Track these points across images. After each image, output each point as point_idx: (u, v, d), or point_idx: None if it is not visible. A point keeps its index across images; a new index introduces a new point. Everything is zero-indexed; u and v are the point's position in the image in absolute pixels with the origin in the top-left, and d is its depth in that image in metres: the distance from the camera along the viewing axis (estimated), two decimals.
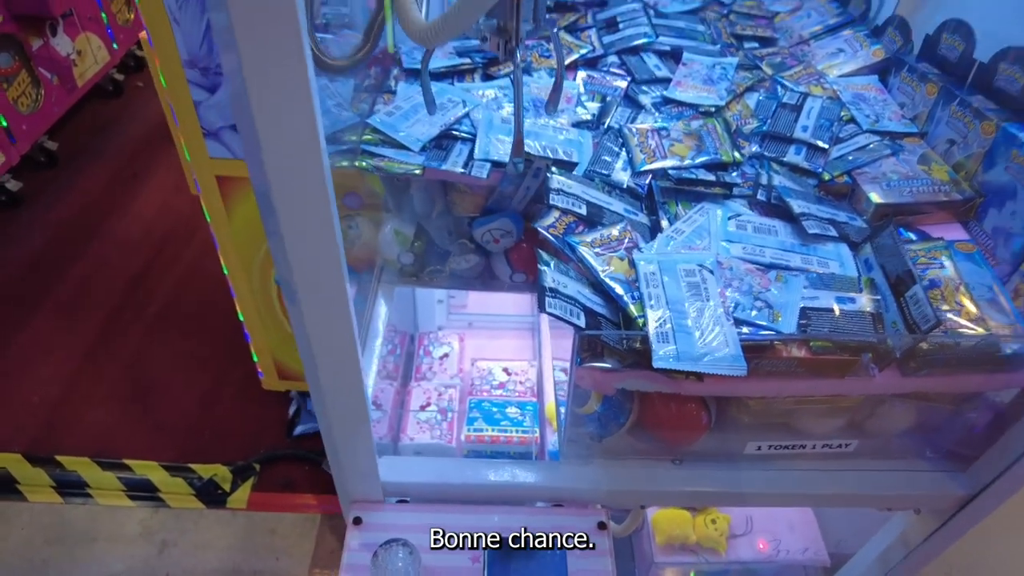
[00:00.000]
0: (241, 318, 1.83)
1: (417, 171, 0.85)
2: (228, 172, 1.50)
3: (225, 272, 1.73)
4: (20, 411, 2.12)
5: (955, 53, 0.97)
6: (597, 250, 0.76)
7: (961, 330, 0.71)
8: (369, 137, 0.91)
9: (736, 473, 0.81)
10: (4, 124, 2.69)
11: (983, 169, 0.87)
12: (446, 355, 1.55)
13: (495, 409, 1.41)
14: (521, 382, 1.45)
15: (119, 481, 1.96)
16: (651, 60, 1.09)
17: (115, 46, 3.38)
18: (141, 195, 2.98)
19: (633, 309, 0.69)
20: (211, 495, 1.94)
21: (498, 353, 1.59)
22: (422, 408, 1.41)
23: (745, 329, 0.68)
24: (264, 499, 1.94)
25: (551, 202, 0.81)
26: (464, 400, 1.43)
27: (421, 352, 1.55)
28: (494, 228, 0.94)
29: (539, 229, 0.77)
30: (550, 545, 0.75)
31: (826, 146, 0.92)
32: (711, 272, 0.72)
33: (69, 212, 2.86)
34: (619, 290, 0.71)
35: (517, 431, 1.36)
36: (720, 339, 0.66)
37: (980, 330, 0.71)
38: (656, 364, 0.64)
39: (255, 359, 1.95)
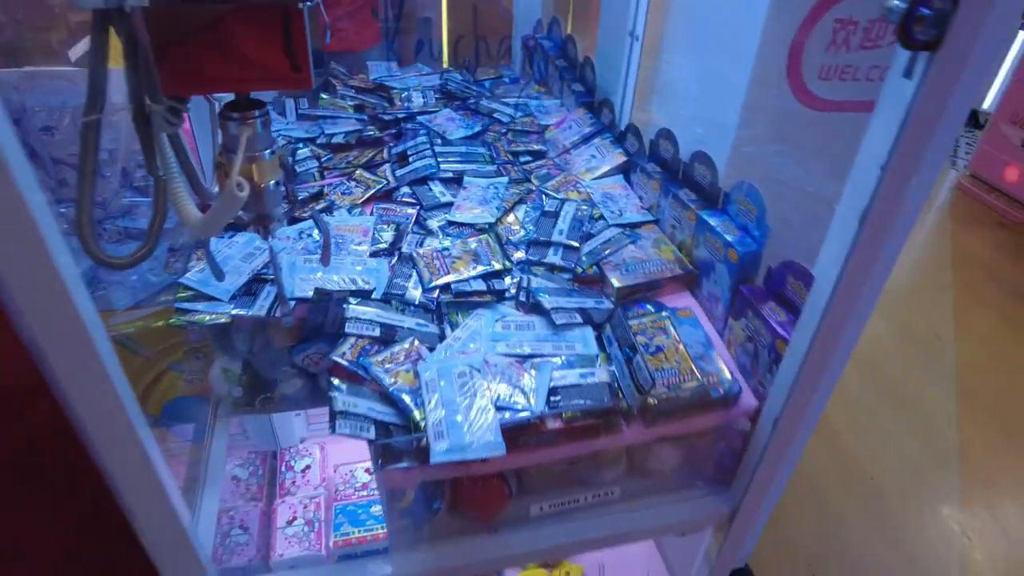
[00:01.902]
0: None
1: (224, 320, 0.97)
2: None
3: None
4: None
5: (669, 154, 1.23)
6: (387, 366, 0.90)
7: (681, 384, 0.91)
8: (183, 294, 1.01)
9: (540, 531, 0.95)
10: None
11: (694, 247, 1.10)
12: (308, 467, 1.61)
13: (360, 511, 1.49)
14: None
15: None
16: (436, 187, 1.27)
17: None
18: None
19: (417, 414, 0.83)
20: None
21: (361, 455, 1.67)
22: (288, 523, 1.46)
23: (507, 414, 0.83)
24: None
25: (346, 330, 0.95)
26: (330, 508, 1.50)
27: (283, 468, 1.60)
28: (312, 353, 1.06)
29: (334, 359, 0.90)
30: None
31: (577, 244, 1.13)
32: (479, 371, 0.88)
33: None
34: (406, 399, 0.85)
35: (382, 527, 1.44)
36: (484, 428, 0.81)
37: (693, 383, 0.91)
38: (433, 460, 0.78)
39: None
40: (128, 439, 0.68)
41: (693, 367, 0.93)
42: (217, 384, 1.11)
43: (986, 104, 5.00)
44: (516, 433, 0.83)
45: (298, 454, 1.65)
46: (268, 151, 0.69)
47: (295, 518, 1.49)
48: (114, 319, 1.54)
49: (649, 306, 1.05)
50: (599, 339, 0.98)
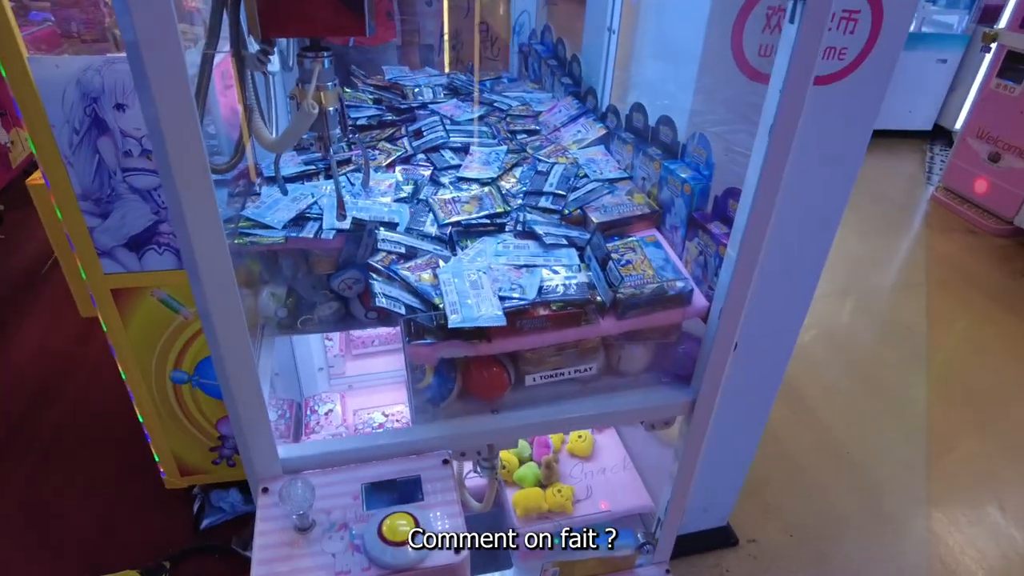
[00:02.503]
0: (140, 420, 2.01)
1: (281, 241, 1.20)
2: (122, 285, 1.76)
3: (123, 378, 1.93)
4: None
5: (640, 123, 1.48)
6: (412, 271, 1.13)
7: (645, 285, 1.14)
8: (244, 223, 1.25)
9: (534, 411, 1.18)
10: None
11: (659, 192, 1.34)
12: (330, 411, 1.82)
13: None
14: (397, 420, 1.74)
15: None
16: (447, 154, 1.53)
17: None
18: (18, 333, 3.04)
19: (437, 301, 1.07)
20: None
21: (376, 401, 1.89)
22: None
23: (506, 303, 1.07)
24: None
25: (379, 247, 1.18)
26: None
27: (308, 412, 1.81)
28: (347, 278, 1.29)
29: (370, 263, 1.14)
30: (410, 476, 1.07)
31: (563, 193, 1.37)
32: (484, 274, 1.12)
33: None
34: (427, 292, 1.08)
35: None
36: (489, 308, 1.04)
37: (655, 284, 1.14)
38: (451, 325, 1.00)
39: (156, 459, 2.11)
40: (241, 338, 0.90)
41: (654, 274, 1.16)
42: (265, 306, 1.34)
43: (957, 124, 5.31)
44: (514, 317, 1.06)
45: (321, 400, 1.86)
46: (331, 84, 0.94)
47: None
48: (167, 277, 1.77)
49: (619, 239, 1.29)
50: (581, 258, 1.22)
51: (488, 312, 1.03)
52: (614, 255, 1.20)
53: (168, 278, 1.79)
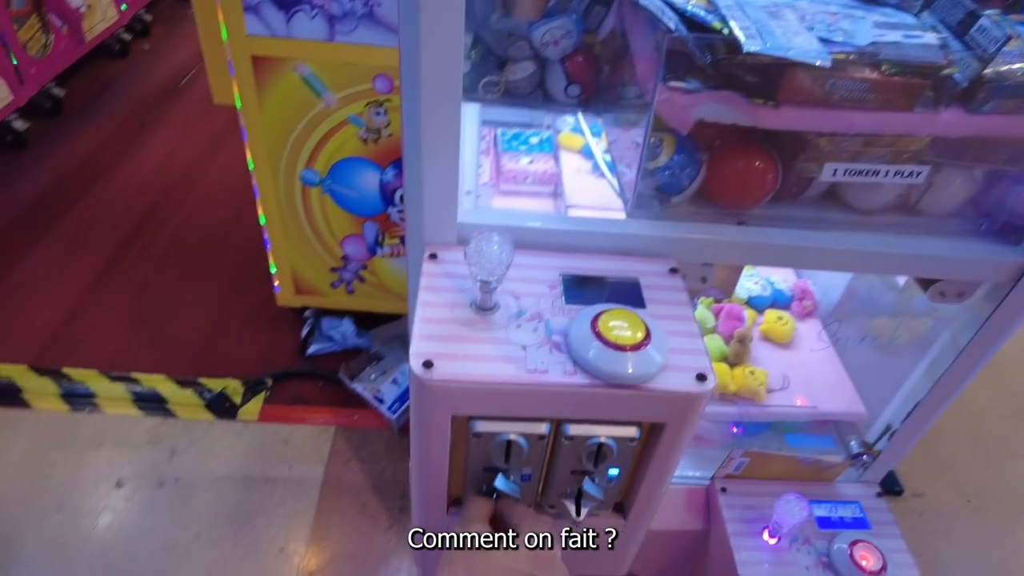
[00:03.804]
0: (263, 222, 1.82)
1: None
2: (265, 51, 1.51)
3: (251, 168, 1.73)
4: (25, 331, 2.07)
5: None
6: None
7: None
8: None
9: (796, 232, 0.83)
10: (15, 63, 2.68)
11: None
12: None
13: None
14: None
15: (127, 392, 1.91)
16: None
17: (123, 7, 3.40)
18: (146, 146, 2.97)
19: (716, 24, 0.71)
20: (221, 407, 1.90)
21: None
22: None
23: (831, 40, 0.70)
24: (276, 412, 1.91)
25: None
26: None
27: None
28: (554, 27, 0.96)
29: None
30: (625, 278, 0.76)
31: None
32: (789, 7, 0.75)
33: (73, 157, 2.84)
34: (699, 15, 0.73)
35: None
36: (802, 40, 0.68)
37: None
38: (746, 48, 0.66)
39: (273, 270, 1.93)
40: None
41: None
42: None
43: None
44: (823, 76, 0.70)
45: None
46: None
47: None
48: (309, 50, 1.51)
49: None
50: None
51: (803, 43, 0.67)
52: (972, 20, 0.79)
53: (315, 51, 1.53)
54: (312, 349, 2.04)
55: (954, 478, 2.00)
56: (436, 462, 0.72)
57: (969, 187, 0.85)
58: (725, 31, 0.70)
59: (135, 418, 1.86)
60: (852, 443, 1.15)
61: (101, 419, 1.85)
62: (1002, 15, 0.86)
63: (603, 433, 0.69)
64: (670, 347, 0.67)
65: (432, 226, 0.78)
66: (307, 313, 2.07)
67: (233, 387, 1.94)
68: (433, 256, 0.77)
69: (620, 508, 0.82)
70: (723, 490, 1.11)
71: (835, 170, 0.77)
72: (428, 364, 0.64)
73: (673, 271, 0.80)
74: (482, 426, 0.68)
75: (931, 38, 0.76)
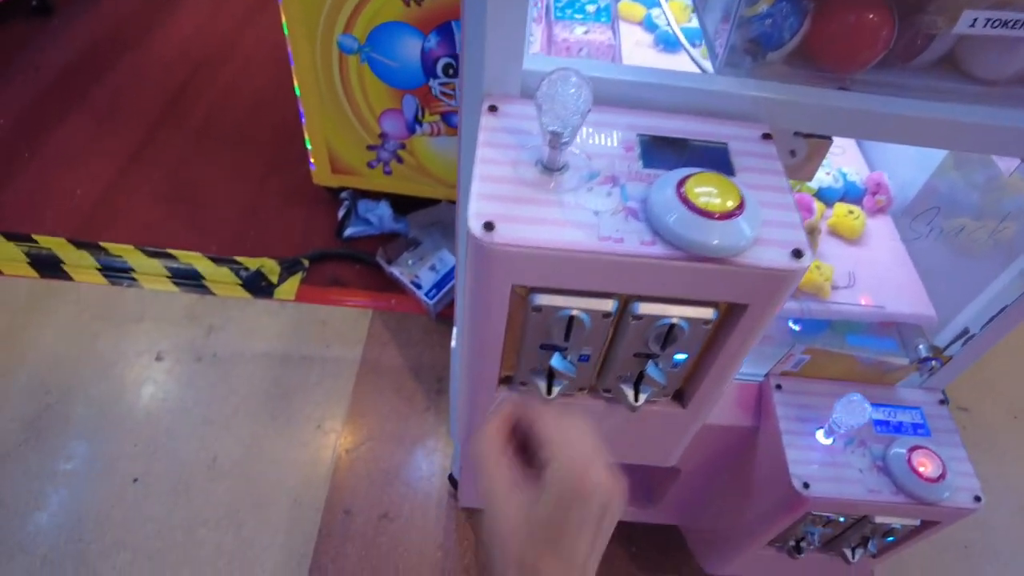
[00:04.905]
0: (298, 92, 1.73)
1: None
2: None
3: (286, 33, 1.61)
4: (62, 204, 2.06)
5: None
6: None
7: None
8: None
9: (907, 101, 0.72)
10: None
11: None
12: None
13: None
14: None
15: (164, 268, 1.90)
16: None
17: None
18: (179, 12, 2.83)
19: None
20: (258, 286, 1.89)
21: None
22: None
23: None
24: (313, 292, 1.89)
25: None
26: None
27: None
28: None
29: None
30: (712, 142, 0.67)
31: None
32: None
33: (102, 26, 2.72)
34: None
35: None
36: None
37: None
38: None
39: (308, 146, 1.86)
40: None
41: None
42: None
43: None
44: None
45: None
46: None
47: None
48: None
49: None
50: None
51: None
52: None
53: None
54: (349, 231, 2.00)
55: (1001, 394, 1.93)
56: (492, 336, 0.66)
57: None
58: None
59: (173, 294, 1.86)
60: (920, 347, 1.08)
61: (140, 293, 1.85)
62: None
63: (676, 313, 0.62)
64: (763, 219, 0.59)
65: (494, 73, 0.69)
66: (343, 194, 2.01)
67: (269, 266, 1.92)
68: (493, 108, 0.68)
69: (680, 396, 0.77)
70: (778, 387, 1.06)
71: (975, 20, 0.64)
72: (489, 226, 0.57)
73: (766, 136, 0.70)
74: (543, 299, 0.62)
75: None
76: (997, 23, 0.64)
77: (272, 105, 2.39)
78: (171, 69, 2.55)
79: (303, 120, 1.79)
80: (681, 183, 0.58)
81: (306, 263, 1.94)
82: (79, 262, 1.89)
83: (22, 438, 1.55)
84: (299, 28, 1.59)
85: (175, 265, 1.91)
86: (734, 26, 0.70)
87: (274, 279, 1.90)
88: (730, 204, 0.57)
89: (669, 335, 0.64)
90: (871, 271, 1.20)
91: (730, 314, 0.65)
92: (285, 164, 2.17)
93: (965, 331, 1.02)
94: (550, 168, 0.63)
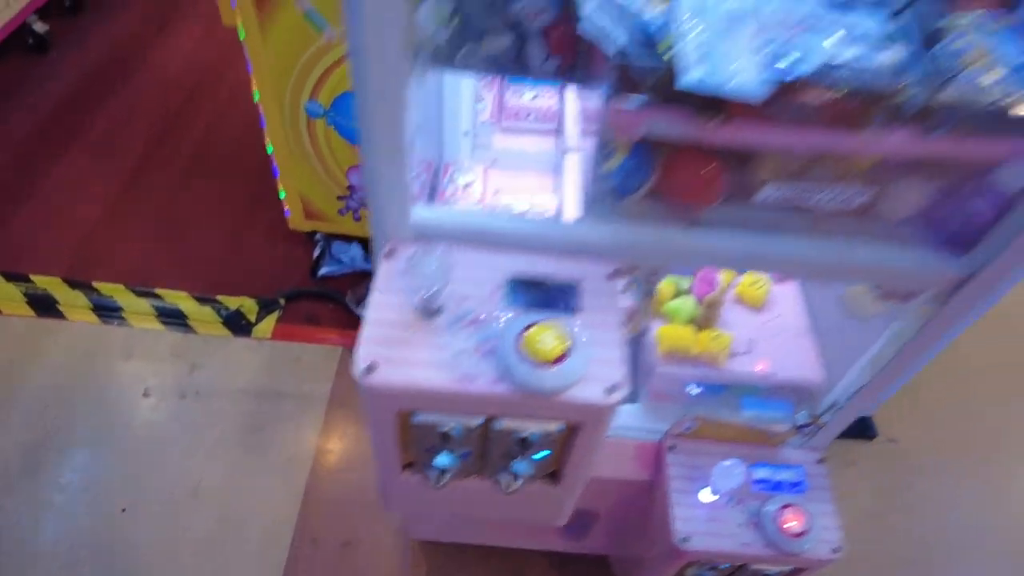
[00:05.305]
0: (270, 150, 1.87)
1: None
2: None
3: (256, 99, 1.75)
4: (56, 242, 2.21)
5: None
6: None
7: (986, 90, 0.73)
8: None
9: (744, 238, 0.86)
10: None
11: None
12: (470, 183, 1.59)
13: None
14: (543, 214, 1.49)
15: (152, 307, 2.06)
16: None
17: None
18: (169, 42, 2.97)
19: (664, 43, 0.72)
20: (237, 325, 2.04)
21: (521, 189, 1.63)
22: None
23: (779, 66, 0.70)
24: (288, 331, 2.05)
25: None
26: None
27: (446, 179, 1.58)
28: (533, 3, 0.95)
29: None
30: (566, 282, 0.82)
31: None
32: (742, 19, 0.74)
33: (96, 57, 2.87)
34: (649, 27, 0.73)
35: None
36: (744, 70, 0.69)
37: (998, 92, 0.73)
38: (682, 84, 0.67)
39: (282, 196, 2.00)
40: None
41: (1002, 79, 0.74)
42: (422, 24, 1.03)
43: None
44: (772, 96, 0.70)
45: (462, 169, 1.62)
46: None
47: None
48: None
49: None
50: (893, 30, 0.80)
51: (745, 73, 0.68)
52: (939, 34, 0.77)
53: None
54: (323, 271, 2.15)
55: (929, 423, 2.07)
56: (388, 440, 0.81)
57: (921, 198, 0.86)
58: (673, 51, 0.70)
59: (159, 332, 2.02)
60: (800, 414, 1.22)
61: (129, 332, 2.01)
62: (987, 16, 0.83)
63: (529, 427, 0.77)
64: (592, 357, 0.74)
65: (389, 221, 0.83)
66: (317, 236, 2.16)
67: (248, 306, 2.08)
68: (391, 252, 0.83)
69: (554, 475, 0.92)
70: (672, 448, 1.20)
71: (767, 192, 0.79)
72: (371, 368, 0.72)
73: (616, 273, 0.84)
74: (421, 418, 0.77)
75: (892, 55, 0.74)
76: (796, 191, 0.78)
77: (257, 144, 2.54)
78: (162, 103, 2.69)
79: (276, 174, 1.93)
80: (522, 332, 0.73)
81: (282, 302, 2.10)
82: (73, 302, 2.05)
83: (19, 469, 1.72)
84: (269, 93, 1.73)
85: (162, 304, 2.07)
86: (592, 179, 0.85)
87: (252, 318, 2.05)
88: (559, 351, 0.71)
89: (525, 442, 0.78)
90: (772, 336, 1.34)
91: (573, 427, 0.79)
92: (266, 202, 2.31)
93: (834, 404, 1.16)
94: (426, 311, 0.77)
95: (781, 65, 0.69)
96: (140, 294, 2.09)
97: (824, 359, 1.31)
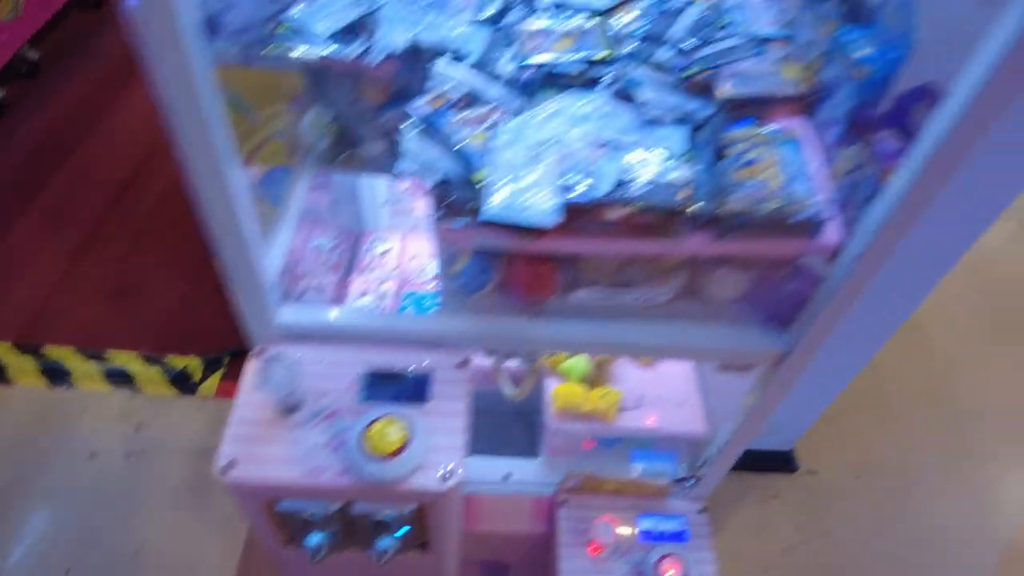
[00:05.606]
0: None
1: (314, 59, 0.97)
2: None
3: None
4: (7, 307, 2.29)
5: None
6: (463, 125, 0.88)
7: (763, 200, 0.84)
8: (283, 28, 1.02)
9: (581, 325, 0.96)
10: None
11: (823, 66, 0.97)
12: (388, 251, 1.69)
13: (427, 300, 1.56)
14: None
15: (99, 370, 2.13)
16: None
17: None
18: (126, 106, 3.06)
19: (479, 175, 0.82)
20: (183, 383, 2.12)
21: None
22: (360, 296, 1.56)
23: (570, 195, 0.81)
24: (232, 388, 2.10)
25: (430, 84, 0.93)
26: (399, 292, 1.58)
27: (365, 248, 1.68)
28: (396, 114, 1.06)
29: (407, 110, 0.89)
30: (419, 373, 0.91)
31: (690, 48, 1.02)
32: (552, 146, 0.85)
33: (52, 121, 2.96)
34: (470, 157, 0.84)
35: None
36: (541, 199, 0.79)
37: (775, 202, 0.84)
38: (482, 216, 0.77)
39: None
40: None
41: (781, 187, 0.85)
42: (306, 132, 1.14)
43: None
44: (574, 215, 0.81)
45: (381, 238, 1.72)
46: None
47: (366, 292, 1.58)
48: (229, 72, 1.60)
49: (755, 121, 0.96)
50: (692, 144, 0.91)
51: (538, 205, 0.78)
52: (731, 147, 0.89)
53: (236, 73, 1.61)
54: None
55: (847, 453, 2.16)
56: (262, 527, 0.90)
57: (739, 284, 0.97)
58: (483, 183, 0.81)
59: (107, 394, 2.09)
60: (681, 466, 1.32)
61: (77, 394, 2.08)
62: (780, 126, 0.95)
63: (383, 510, 0.86)
64: (433, 444, 0.83)
65: (252, 327, 0.92)
66: None
67: (194, 365, 2.16)
68: (260, 351, 0.92)
69: (423, 546, 1.01)
70: (563, 502, 1.29)
71: (588, 293, 0.89)
72: (231, 464, 0.81)
73: (464, 363, 0.94)
74: (285, 505, 0.85)
75: (683, 173, 0.85)
76: (601, 296, 0.89)
77: None
78: (118, 162, 2.78)
79: None
80: (366, 428, 0.82)
81: (226, 360, 2.18)
82: (22, 366, 2.12)
83: None
84: None
85: (110, 367, 2.14)
86: (441, 279, 0.95)
87: (197, 377, 2.13)
88: (398, 445, 0.81)
89: (381, 524, 0.87)
90: (660, 393, 1.45)
91: (424, 508, 0.88)
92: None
93: (707, 459, 1.26)
94: (286, 409, 0.86)
95: (574, 194, 0.80)
96: (89, 356, 2.16)
97: (707, 412, 1.41)
